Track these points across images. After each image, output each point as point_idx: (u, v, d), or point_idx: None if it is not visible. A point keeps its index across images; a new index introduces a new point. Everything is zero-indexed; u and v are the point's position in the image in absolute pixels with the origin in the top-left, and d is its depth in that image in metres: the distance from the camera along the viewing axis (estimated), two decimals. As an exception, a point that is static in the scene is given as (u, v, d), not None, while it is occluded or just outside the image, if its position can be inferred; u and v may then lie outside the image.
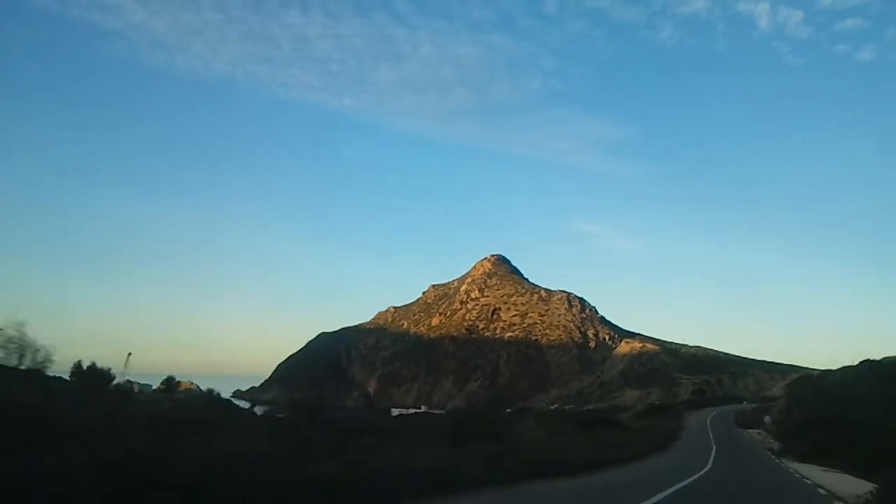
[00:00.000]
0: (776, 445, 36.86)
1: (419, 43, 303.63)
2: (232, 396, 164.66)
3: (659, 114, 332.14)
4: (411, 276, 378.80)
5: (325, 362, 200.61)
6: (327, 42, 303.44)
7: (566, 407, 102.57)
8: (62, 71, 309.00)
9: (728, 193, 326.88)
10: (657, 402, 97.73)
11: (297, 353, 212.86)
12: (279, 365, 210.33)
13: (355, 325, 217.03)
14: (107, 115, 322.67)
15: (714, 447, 36.35)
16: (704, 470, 22.03)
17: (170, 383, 57.56)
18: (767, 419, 53.07)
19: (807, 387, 51.68)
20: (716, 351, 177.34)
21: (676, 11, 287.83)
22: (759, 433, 53.17)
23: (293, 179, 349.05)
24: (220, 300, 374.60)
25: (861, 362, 45.45)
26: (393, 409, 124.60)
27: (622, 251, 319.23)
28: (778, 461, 29.55)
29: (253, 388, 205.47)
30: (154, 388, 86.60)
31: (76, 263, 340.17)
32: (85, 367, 22.21)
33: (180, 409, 21.11)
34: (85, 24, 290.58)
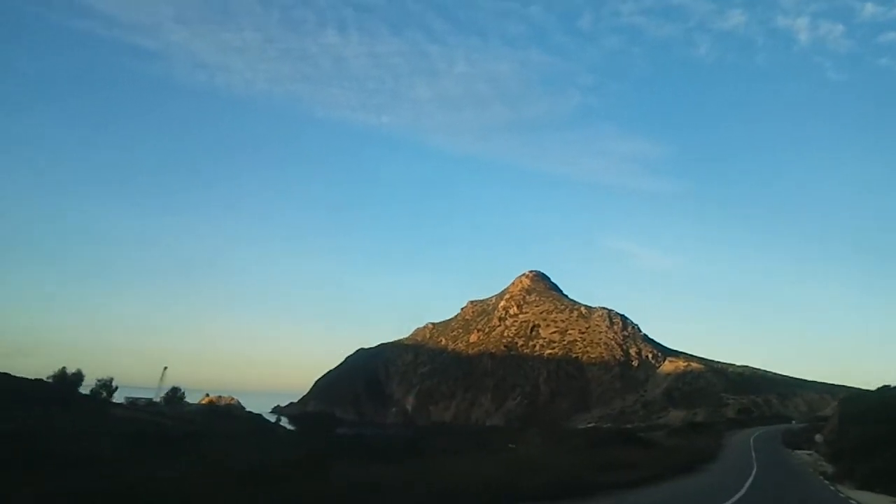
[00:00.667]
0: (830, 468, 32.98)
1: (454, 60, 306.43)
2: (271, 412, 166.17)
3: (697, 131, 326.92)
4: (450, 292, 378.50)
5: (363, 378, 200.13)
6: (364, 60, 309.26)
7: (605, 426, 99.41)
8: (101, 90, 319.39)
9: (770, 211, 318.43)
10: (698, 420, 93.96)
11: (335, 368, 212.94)
12: (318, 380, 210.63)
13: (393, 342, 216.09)
14: (143, 132, 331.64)
15: (755, 468, 32.95)
16: (738, 496, 19.55)
17: (174, 395, 57.18)
18: (819, 438, 49.27)
19: (863, 403, 47.86)
20: (764, 370, 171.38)
21: (714, 27, 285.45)
22: (809, 454, 48.55)
23: (331, 196, 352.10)
24: (264, 318, 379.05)
25: (927, 377, 42.09)
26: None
27: (661, 269, 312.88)
28: (833, 488, 25.65)
29: (292, 403, 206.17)
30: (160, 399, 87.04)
31: (127, 280, 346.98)
32: (69, 374, 21.74)
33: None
34: (126, 46, 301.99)
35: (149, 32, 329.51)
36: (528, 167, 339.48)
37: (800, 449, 53.14)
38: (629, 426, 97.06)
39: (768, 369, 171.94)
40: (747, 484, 24.44)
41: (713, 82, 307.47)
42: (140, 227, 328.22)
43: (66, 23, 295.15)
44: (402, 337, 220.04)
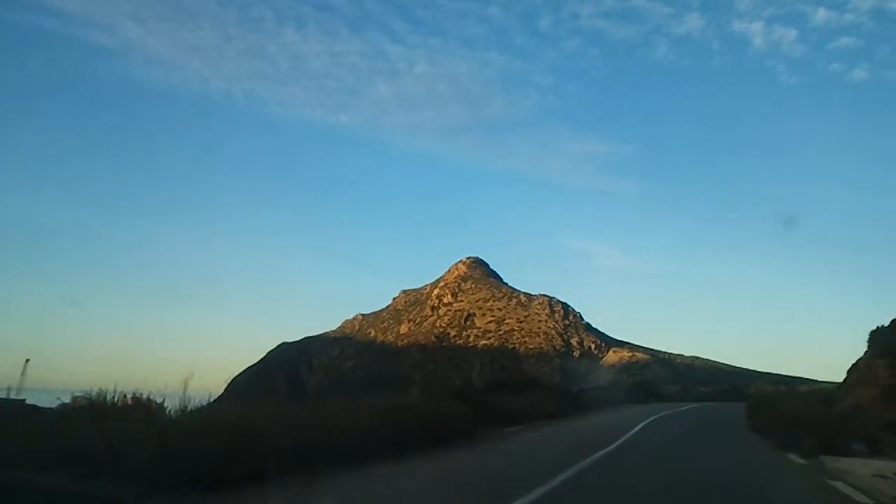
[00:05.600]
0: None
1: (415, 60, 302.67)
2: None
3: (654, 132, 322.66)
4: (384, 282, 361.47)
5: (284, 374, 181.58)
6: (323, 59, 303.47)
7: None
8: (56, 87, 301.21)
9: (727, 209, 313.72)
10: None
11: (254, 365, 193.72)
12: (233, 379, 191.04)
13: (320, 335, 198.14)
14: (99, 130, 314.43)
15: None
16: None
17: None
18: None
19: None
20: (714, 361, 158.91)
21: (671, 31, 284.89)
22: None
23: (277, 193, 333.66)
24: (182, 312, 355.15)
25: None
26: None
27: (615, 268, 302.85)
28: None
29: (209, 405, 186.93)
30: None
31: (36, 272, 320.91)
32: None
33: None
34: (83, 42, 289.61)
35: (106, 30, 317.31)
36: (487, 166, 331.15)
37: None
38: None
39: (720, 360, 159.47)
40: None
41: (670, 85, 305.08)
42: (73, 222, 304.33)
43: (21, 19, 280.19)
44: (329, 329, 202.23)
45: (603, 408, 42.05)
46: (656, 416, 32.22)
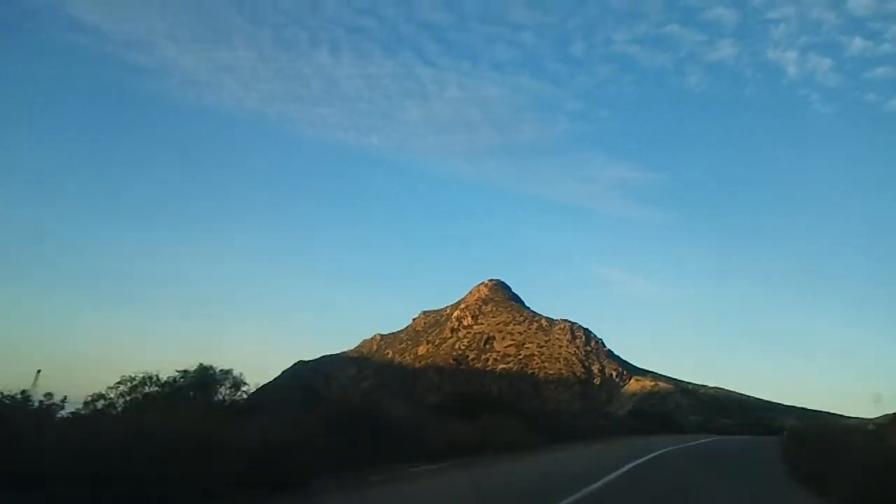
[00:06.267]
0: None
1: (446, 84, 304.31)
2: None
3: (684, 160, 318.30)
4: (405, 304, 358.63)
5: (301, 393, 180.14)
6: (355, 81, 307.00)
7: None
8: (88, 103, 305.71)
9: (756, 241, 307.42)
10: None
11: (269, 383, 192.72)
12: (248, 397, 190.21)
13: (337, 354, 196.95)
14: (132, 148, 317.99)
15: None
16: None
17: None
18: None
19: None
20: (739, 393, 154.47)
21: (704, 58, 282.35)
22: None
23: (301, 210, 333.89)
24: (202, 325, 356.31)
25: None
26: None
27: (639, 296, 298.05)
28: None
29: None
30: None
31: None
32: None
33: None
34: (119, 61, 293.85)
35: (142, 49, 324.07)
36: (516, 191, 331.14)
37: None
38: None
39: (745, 392, 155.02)
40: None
41: (702, 113, 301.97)
42: (104, 240, 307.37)
43: (60, 37, 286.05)
44: (347, 349, 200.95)
45: (599, 438, 37.19)
46: (657, 454, 25.46)
